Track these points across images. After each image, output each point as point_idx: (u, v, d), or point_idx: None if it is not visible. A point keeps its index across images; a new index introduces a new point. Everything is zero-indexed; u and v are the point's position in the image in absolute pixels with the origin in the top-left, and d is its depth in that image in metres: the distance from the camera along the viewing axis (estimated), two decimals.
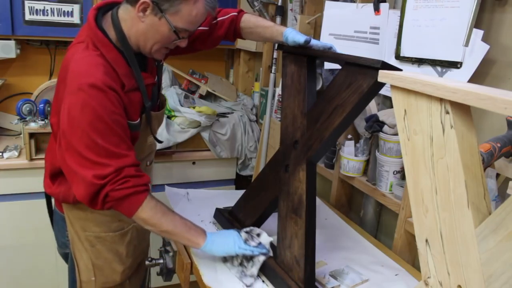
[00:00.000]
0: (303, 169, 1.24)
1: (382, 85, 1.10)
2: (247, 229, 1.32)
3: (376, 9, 1.58)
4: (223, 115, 2.45)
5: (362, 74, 1.09)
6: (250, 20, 1.45)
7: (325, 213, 1.76)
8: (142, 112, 1.30)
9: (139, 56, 1.25)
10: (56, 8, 2.18)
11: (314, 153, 1.22)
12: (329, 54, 1.27)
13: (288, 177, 1.30)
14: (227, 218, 1.53)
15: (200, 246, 1.25)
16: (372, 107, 1.60)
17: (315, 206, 1.25)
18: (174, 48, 1.29)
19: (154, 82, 1.32)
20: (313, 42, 1.28)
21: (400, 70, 1.03)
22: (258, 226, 1.47)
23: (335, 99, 1.16)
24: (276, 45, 1.49)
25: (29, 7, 2.13)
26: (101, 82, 1.10)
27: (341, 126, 1.16)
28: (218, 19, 1.45)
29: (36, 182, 2.07)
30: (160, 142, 1.49)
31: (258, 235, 1.30)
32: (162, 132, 2.18)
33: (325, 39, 1.76)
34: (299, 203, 1.24)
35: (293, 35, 1.30)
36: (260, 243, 1.27)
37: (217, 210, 1.60)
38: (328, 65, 1.77)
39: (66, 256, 1.55)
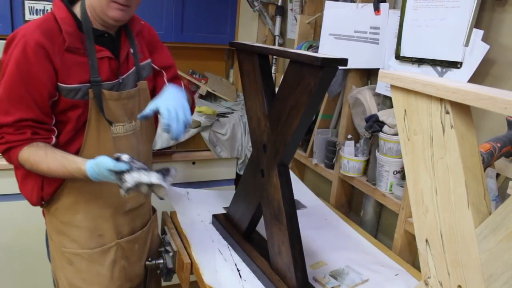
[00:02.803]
0: (275, 174, 1.22)
1: (329, 81, 1.08)
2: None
3: (376, 9, 1.58)
4: (223, 115, 2.45)
5: (308, 72, 1.07)
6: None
7: (325, 213, 1.76)
8: (90, 86, 1.20)
9: (108, 39, 1.25)
10: None
11: (282, 157, 1.20)
12: (275, 52, 1.23)
13: (265, 183, 1.28)
14: (224, 225, 1.51)
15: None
16: (372, 107, 1.60)
17: (295, 212, 1.22)
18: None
19: (110, 55, 1.24)
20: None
21: (346, 59, 1.01)
22: (253, 230, 1.46)
23: (289, 99, 1.14)
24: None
25: (29, 7, 2.13)
26: (31, 38, 1.12)
27: (300, 126, 1.14)
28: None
29: None
30: (110, 123, 1.25)
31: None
32: (162, 132, 2.18)
33: (325, 39, 1.76)
34: (279, 209, 1.22)
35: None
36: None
37: (214, 216, 1.58)
38: None
39: None
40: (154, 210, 1.58)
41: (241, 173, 2.54)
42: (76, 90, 1.19)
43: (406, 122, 0.82)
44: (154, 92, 1.42)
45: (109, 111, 1.25)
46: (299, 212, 1.34)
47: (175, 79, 1.49)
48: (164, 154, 2.26)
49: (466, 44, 1.22)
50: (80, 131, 1.24)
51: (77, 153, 1.23)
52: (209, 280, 1.24)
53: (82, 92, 1.20)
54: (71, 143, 1.24)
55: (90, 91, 1.20)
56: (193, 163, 2.39)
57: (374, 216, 1.70)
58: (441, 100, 0.73)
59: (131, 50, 1.31)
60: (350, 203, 1.90)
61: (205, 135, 2.32)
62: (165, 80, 1.45)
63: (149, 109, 1.16)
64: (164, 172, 1.13)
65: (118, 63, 1.27)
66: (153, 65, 1.41)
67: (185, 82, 2.67)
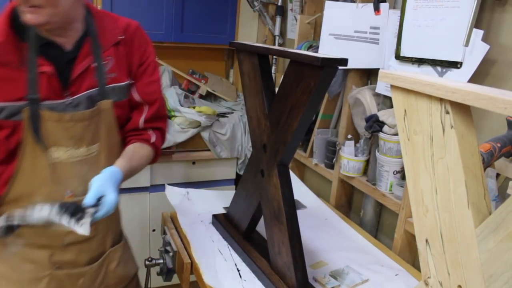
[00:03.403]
0: (275, 174, 1.22)
1: (329, 81, 1.08)
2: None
3: (376, 9, 1.58)
4: (223, 115, 2.45)
5: (308, 72, 1.07)
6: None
7: (325, 213, 1.76)
8: (24, 105, 1.06)
9: (58, 50, 1.09)
10: None
11: (282, 157, 1.20)
12: (275, 52, 1.23)
13: (265, 183, 1.28)
14: (224, 225, 1.51)
15: None
16: (372, 107, 1.60)
17: (295, 212, 1.22)
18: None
19: (50, 71, 1.06)
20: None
21: (346, 59, 1.01)
22: (253, 230, 1.46)
23: (290, 99, 1.14)
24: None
25: None
26: None
27: (300, 126, 1.14)
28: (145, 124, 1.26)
29: None
30: (42, 146, 1.09)
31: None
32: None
33: (325, 39, 1.76)
34: (279, 209, 1.22)
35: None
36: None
37: (214, 216, 1.58)
38: None
39: None
40: (115, 243, 1.33)
41: (241, 173, 2.54)
42: (6, 107, 1.04)
43: (406, 122, 0.82)
44: (126, 122, 1.25)
45: (48, 133, 1.09)
46: (299, 212, 1.34)
47: (157, 121, 1.27)
48: (164, 154, 2.26)
49: (466, 44, 1.22)
50: (15, 153, 1.10)
51: (11, 176, 1.11)
52: (209, 280, 1.24)
53: (8, 112, 1.05)
54: (6, 165, 1.12)
55: (26, 109, 1.05)
56: (193, 163, 2.40)
57: (374, 216, 1.70)
58: (441, 100, 0.73)
59: (94, 66, 1.12)
60: (350, 203, 1.90)
61: (205, 135, 2.33)
62: (142, 121, 1.24)
63: (94, 194, 1.01)
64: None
65: (59, 81, 1.09)
66: (135, 93, 1.22)
67: (186, 82, 2.69)
